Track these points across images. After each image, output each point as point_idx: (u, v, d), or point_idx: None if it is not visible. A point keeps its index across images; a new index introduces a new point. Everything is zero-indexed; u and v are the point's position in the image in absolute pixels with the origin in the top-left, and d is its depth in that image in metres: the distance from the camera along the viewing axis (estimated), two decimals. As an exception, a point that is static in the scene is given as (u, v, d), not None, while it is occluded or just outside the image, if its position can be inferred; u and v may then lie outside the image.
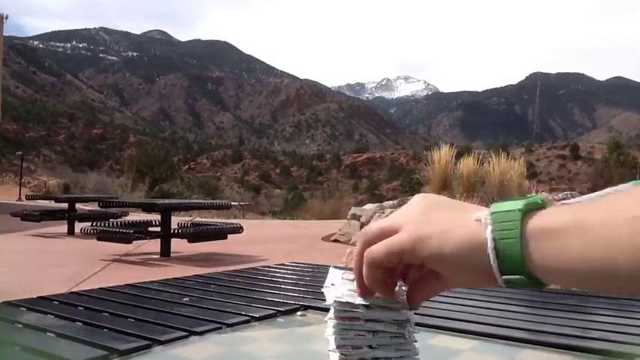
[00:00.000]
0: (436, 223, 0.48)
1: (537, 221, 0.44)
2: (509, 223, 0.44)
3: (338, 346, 0.53)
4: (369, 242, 0.51)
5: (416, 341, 0.55)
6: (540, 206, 0.46)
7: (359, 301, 0.53)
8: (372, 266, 0.50)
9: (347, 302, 0.52)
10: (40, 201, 12.32)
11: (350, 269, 0.56)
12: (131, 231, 6.48)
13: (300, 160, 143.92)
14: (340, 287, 0.55)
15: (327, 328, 0.54)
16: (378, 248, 0.50)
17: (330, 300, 0.53)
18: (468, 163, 9.60)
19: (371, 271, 0.50)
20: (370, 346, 0.52)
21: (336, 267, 0.60)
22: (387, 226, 0.50)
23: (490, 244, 0.45)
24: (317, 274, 1.31)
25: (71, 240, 8.60)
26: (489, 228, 0.45)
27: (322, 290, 0.55)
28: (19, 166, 27.60)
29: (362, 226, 8.55)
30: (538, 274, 0.44)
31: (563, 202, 0.46)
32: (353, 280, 0.54)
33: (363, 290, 0.53)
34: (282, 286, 1.16)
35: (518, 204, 0.45)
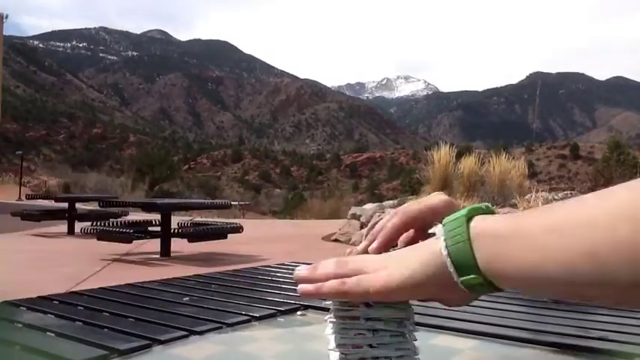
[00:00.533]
0: (396, 258, 0.52)
1: (478, 224, 0.47)
2: (457, 229, 0.47)
3: (338, 345, 0.53)
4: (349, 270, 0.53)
5: (416, 340, 0.55)
6: (484, 212, 0.49)
7: None
8: (323, 292, 0.52)
9: (346, 301, 0.53)
10: (40, 200, 12.32)
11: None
12: (131, 231, 6.48)
13: (300, 160, 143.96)
14: None
15: (327, 327, 0.54)
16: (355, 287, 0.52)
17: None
18: (468, 163, 9.60)
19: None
20: (370, 345, 0.52)
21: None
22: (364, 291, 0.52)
23: (444, 252, 0.47)
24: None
25: (71, 240, 8.60)
26: (442, 237, 0.48)
27: None
28: (19, 166, 27.62)
29: (362, 225, 8.54)
30: (488, 275, 0.46)
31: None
32: None
33: None
34: (283, 286, 1.16)
35: (463, 211, 0.49)
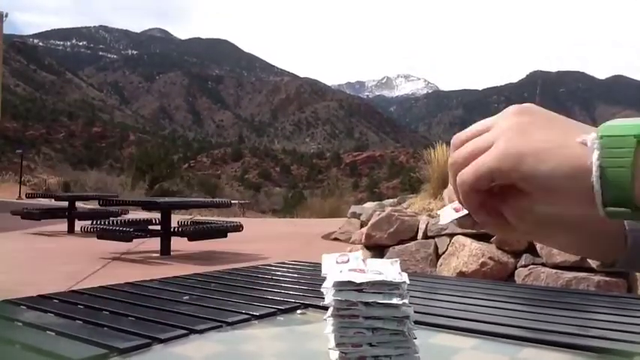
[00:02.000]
0: (532, 140, 0.44)
1: None
2: (621, 150, 0.40)
3: (338, 344, 0.53)
4: (459, 166, 0.47)
5: (415, 338, 0.55)
6: None
7: (360, 279, 0.52)
8: (466, 192, 0.46)
9: (345, 300, 0.52)
10: (40, 199, 12.33)
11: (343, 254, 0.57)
12: (131, 229, 6.48)
13: (300, 159, 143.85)
14: (335, 272, 0.54)
15: (326, 326, 0.54)
16: (467, 172, 0.45)
17: (329, 284, 0.53)
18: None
19: (466, 197, 0.46)
20: (370, 344, 0.52)
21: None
22: (475, 148, 0.46)
23: (596, 172, 0.40)
24: (317, 272, 1.31)
25: (71, 238, 8.60)
26: (596, 153, 0.40)
27: (321, 290, 0.55)
28: (19, 165, 27.61)
29: (362, 224, 8.54)
30: None
31: None
32: (348, 262, 0.55)
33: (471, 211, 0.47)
34: (282, 285, 1.16)
35: (633, 128, 0.40)
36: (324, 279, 0.55)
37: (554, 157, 0.42)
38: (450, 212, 0.50)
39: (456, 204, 0.50)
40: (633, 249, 0.50)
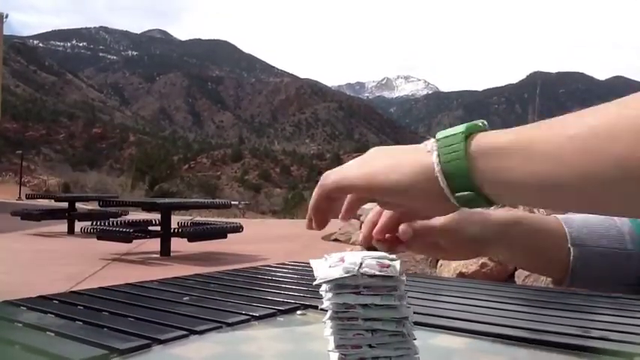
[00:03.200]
0: (385, 160, 0.52)
1: (480, 141, 0.47)
2: (454, 145, 0.47)
3: (337, 346, 0.53)
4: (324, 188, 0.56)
5: (415, 339, 0.55)
6: (482, 129, 0.49)
7: (338, 270, 0.52)
8: (320, 195, 0.55)
9: (343, 302, 0.52)
10: (40, 200, 12.34)
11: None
12: (131, 230, 6.49)
13: (300, 160, 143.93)
14: (324, 269, 0.54)
15: (325, 328, 0.54)
16: (327, 181, 0.54)
17: (321, 280, 0.53)
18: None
19: (317, 199, 0.56)
20: (370, 345, 0.52)
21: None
22: (341, 177, 0.54)
23: (437, 167, 0.47)
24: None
25: (71, 239, 8.61)
26: (435, 153, 0.48)
27: (320, 292, 0.55)
28: (19, 165, 27.63)
29: (362, 225, 8.56)
30: (486, 192, 0.47)
31: None
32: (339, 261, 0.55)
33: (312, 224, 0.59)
34: (283, 286, 1.16)
35: (460, 128, 0.48)
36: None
37: (402, 168, 0.50)
38: (332, 270, 0.53)
39: (340, 255, 0.54)
40: (578, 262, 0.56)
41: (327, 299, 0.54)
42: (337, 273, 0.53)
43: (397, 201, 0.52)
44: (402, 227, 0.65)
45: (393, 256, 0.53)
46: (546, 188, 0.43)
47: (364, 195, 0.53)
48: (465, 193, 0.47)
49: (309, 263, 0.58)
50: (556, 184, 0.42)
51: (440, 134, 0.50)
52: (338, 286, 0.53)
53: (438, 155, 0.48)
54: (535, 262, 0.60)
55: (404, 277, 0.54)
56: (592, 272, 0.65)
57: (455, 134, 0.48)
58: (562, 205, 0.45)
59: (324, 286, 0.54)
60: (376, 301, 0.53)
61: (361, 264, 0.53)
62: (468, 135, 0.48)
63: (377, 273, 0.51)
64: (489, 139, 0.47)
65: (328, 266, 0.55)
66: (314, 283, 0.55)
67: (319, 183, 0.56)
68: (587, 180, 0.41)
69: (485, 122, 0.50)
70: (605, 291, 0.72)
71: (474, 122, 0.49)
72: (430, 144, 0.49)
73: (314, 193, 0.57)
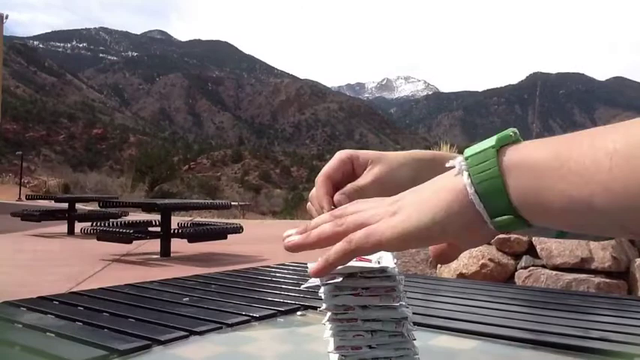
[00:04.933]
0: (413, 206, 0.45)
1: (513, 155, 0.42)
2: (486, 163, 0.42)
3: (337, 348, 0.53)
4: (350, 224, 0.47)
5: (414, 339, 0.55)
6: (514, 140, 0.43)
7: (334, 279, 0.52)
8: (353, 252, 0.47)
9: (342, 304, 0.52)
10: (40, 201, 12.33)
11: None
12: (131, 231, 6.48)
13: (300, 160, 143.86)
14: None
15: (325, 330, 0.54)
16: (361, 238, 0.46)
17: (311, 284, 0.54)
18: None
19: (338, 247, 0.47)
20: (369, 346, 0.52)
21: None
22: (366, 220, 0.47)
23: (470, 190, 0.42)
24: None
25: (71, 240, 8.61)
26: (466, 174, 0.43)
27: (319, 294, 0.55)
28: (19, 166, 27.62)
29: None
30: (523, 213, 0.42)
31: None
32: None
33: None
34: (283, 286, 1.16)
35: (490, 141, 0.43)
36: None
37: (429, 202, 0.44)
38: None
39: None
40: None
41: (326, 301, 0.54)
42: (325, 278, 0.52)
43: (436, 244, 0.47)
44: (336, 198, 0.62)
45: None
46: (588, 212, 0.39)
47: (392, 250, 0.48)
48: (505, 217, 0.41)
49: (306, 264, 0.58)
50: (599, 208, 0.38)
51: (468, 151, 0.44)
52: (336, 288, 0.53)
53: (469, 175, 0.42)
54: None
55: (402, 277, 0.54)
56: None
57: (485, 149, 0.42)
58: (610, 232, 0.41)
59: (323, 288, 0.54)
60: (375, 302, 0.53)
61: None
62: (499, 149, 0.42)
63: (355, 264, 0.50)
64: (523, 153, 0.42)
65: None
66: (302, 286, 0.55)
67: (346, 242, 0.46)
68: (633, 205, 0.36)
69: (516, 131, 0.44)
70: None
71: (505, 132, 0.43)
72: (458, 164, 0.44)
73: (339, 253, 0.47)
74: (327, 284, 0.53)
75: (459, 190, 0.42)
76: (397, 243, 0.44)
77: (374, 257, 0.54)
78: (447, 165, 0.45)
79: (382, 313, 0.53)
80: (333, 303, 0.53)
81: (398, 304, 0.53)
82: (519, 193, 0.41)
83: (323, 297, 0.54)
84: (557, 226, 0.42)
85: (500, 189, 0.41)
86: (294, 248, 0.50)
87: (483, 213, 0.42)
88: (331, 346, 0.53)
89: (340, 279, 0.52)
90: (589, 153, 0.38)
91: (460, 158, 0.44)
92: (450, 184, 0.43)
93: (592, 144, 0.39)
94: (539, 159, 0.40)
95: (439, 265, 4.73)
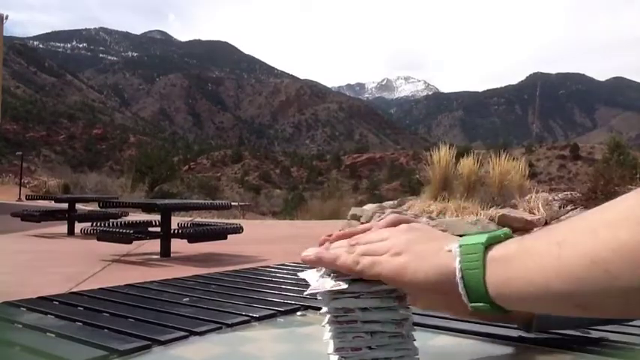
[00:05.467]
0: (411, 255, 0.53)
1: (494, 252, 0.49)
2: (474, 255, 0.49)
3: (337, 349, 0.53)
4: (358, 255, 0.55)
5: (415, 340, 0.55)
6: (503, 239, 0.51)
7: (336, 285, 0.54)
8: (351, 270, 0.54)
9: (342, 306, 0.53)
10: (40, 201, 12.33)
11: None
12: (131, 231, 6.48)
13: (300, 161, 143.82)
14: (315, 280, 0.56)
15: (325, 332, 0.54)
16: (366, 264, 0.54)
17: (312, 290, 0.55)
18: (468, 164, 9.60)
19: (345, 268, 0.55)
20: (369, 347, 0.53)
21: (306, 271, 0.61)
22: (374, 251, 0.55)
23: (458, 274, 0.49)
24: (317, 274, 1.31)
25: (71, 240, 8.61)
26: (457, 259, 0.50)
27: (318, 297, 0.56)
28: (19, 166, 27.63)
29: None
30: (497, 301, 0.49)
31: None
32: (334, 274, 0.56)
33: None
34: (283, 286, 1.16)
35: (482, 238, 0.50)
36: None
37: (426, 265, 0.51)
38: (324, 280, 0.55)
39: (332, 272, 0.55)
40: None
41: (326, 304, 0.54)
42: (329, 284, 0.54)
43: (420, 296, 0.55)
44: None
45: None
46: (548, 295, 0.45)
47: (390, 284, 0.54)
48: (480, 304, 0.49)
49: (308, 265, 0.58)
50: (554, 291, 0.44)
51: (462, 240, 0.51)
52: (337, 291, 0.53)
53: (460, 262, 0.50)
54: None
55: None
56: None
57: (475, 244, 0.50)
58: (568, 313, 0.47)
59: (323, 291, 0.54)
60: (377, 303, 0.53)
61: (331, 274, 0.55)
62: (488, 246, 0.49)
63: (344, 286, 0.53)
64: (502, 250, 0.49)
65: (320, 276, 0.57)
66: (304, 293, 0.56)
67: (354, 262, 0.55)
68: (580, 288, 0.43)
69: (509, 231, 0.51)
70: (571, 328, 0.73)
71: (496, 233, 0.51)
72: (454, 248, 0.51)
73: (343, 262, 0.55)
74: (330, 291, 0.54)
75: (451, 269, 0.50)
76: (392, 282, 0.53)
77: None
78: (446, 249, 0.52)
79: (383, 314, 0.53)
80: (333, 306, 0.53)
81: (398, 305, 0.54)
82: (495, 286, 0.48)
83: (322, 300, 0.55)
84: (527, 309, 0.50)
85: (480, 281, 0.48)
86: (308, 261, 0.57)
87: (464, 297, 0.49)
88: (331, 348, 0.53)
89: (345, 285, 0.53)
90: (544, 243, 0.46)
91: (456, 245, 0.51)
92: (445, 259, 0.51)
93: (548, 235, 0.47)
94: (509, 252, 0.48)
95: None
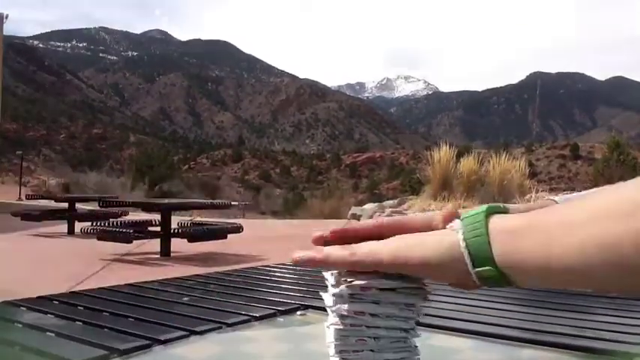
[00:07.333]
0: (409, 238, 0.54)
1: (497, 223, 0.50)
2: (476, 223, 0.51)
3: (339, 352, 0.53)
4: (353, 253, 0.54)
5: (417, 346, 0.55)
6: (502, 211, 0.52)
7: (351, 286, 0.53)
8: (346, 264, 0.54)
9: (359, 308, 0.53)
10: (40, 200, 12.33)
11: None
12: (131, 231, 6.48)
13: (300, 160, 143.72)
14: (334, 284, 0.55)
15: (327, 334, 0.54)
16: (360, 252, 0.54)
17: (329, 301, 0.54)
18: (468, 163, 9.61)
19: (341, 264, 0.54)
20: (372, 350, 0.53)
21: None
22: (370, 251, 0.54)
23: (462, 244, 0.50)
24: (317, 273, 1.31)
25: (71, 239, 8.61)
26: (460, 231, 0.51)
27: (330, 295, 0.55)
28: (19, 166, 27.62)
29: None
30: (504, 270, 0.50)
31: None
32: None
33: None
34: (282, 286, 1.16)
35: (482, 207, 0.52)
36: (324, 280, 0.56)
37: (426, 243, 0.53)
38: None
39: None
40: None
41: (342, 303, 0.53)
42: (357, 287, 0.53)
43: (421, 276, 0.55)
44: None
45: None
46: (552, 271, 0.47)
47: (389, 271, 0.54)
48: (485, 268, 0.50)
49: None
50: (564, 266, 0.46)
51: (464, 214, 0.53)
52: (352, 295, 0.53)
53: (463, 233, 0.51)
54: None
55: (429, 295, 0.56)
56: None
57: (477, 213, 0.51)
58: (568, 286, 0.49)
59: (339, 290, 0.53)
60: (395, 312, 0.53)
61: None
62: (488, 215, 0.51)
63: (391, 281, 0.53)
64: (505, 222, 0.50)
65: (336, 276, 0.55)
66: (332, 292, 0.54)
67: (350, 253, 0.54)
68: (575, 262, 0.45)
69: (506, 205, 0.54)
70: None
71: (497, 204, 0.53)
72: (457, 222, 0.53)
73: (337, 256, 0.55)
74: (350, 293, 0.53)
75: (453, 243, 0.51)
76: (396, 264, 0.52)
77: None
78: (447, 226, 0.53)
79: (392, 322, 0.53)
80: (352, 309, 0.53)
81: (412, 315, 0.54)
82: (500, 253, 0.49)
83: (340, 299, 0.54)
84: (532, 281, 0.51)
85: (485, 245, 0.49)
86: (301, 262, 0.56)
87: (469, 265, 0.50)
88: (332, 350, 0.53)
89: (391, 281, 0.53)
90: (554, 220, 0.48)
91: (458, 220, 0.53)
92: (447, 237, 0.52)
93: (561, 214, 0.49)
94: (514, 224, 0.50)
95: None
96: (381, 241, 0.55)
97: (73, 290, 1.15)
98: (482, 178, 9.85)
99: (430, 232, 0.54)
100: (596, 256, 0.44)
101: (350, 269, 0.54)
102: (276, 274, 1.34)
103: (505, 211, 0.53)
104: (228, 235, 7.02)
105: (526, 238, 0.48)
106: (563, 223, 0.47)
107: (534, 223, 0.49)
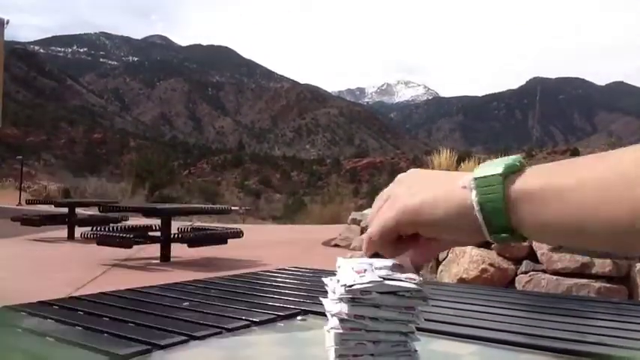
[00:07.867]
0: (423, 194, 0.53)
1: (516, 186, 0.49)
2: (492, 187, 0.49)
3: (339, 356, 0.53)
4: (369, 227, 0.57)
5: (416, 350, 0.55)
6: (519, 168, 0.50)
7: (369, 277, 0.52)
8: (378, 245, 0.55)
9: (360, 311, 0.52)
10: (40, 205, 12.32)
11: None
12: (131, 236, 6.47)
13: (300, 165, 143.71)
14: (348, 275, 0.54)
15: (327, 338, 0.54)
16: (373, 230, 0.55)
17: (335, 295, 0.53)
18: (468, 168, 9.60)
19: (380, 247, 0.55)
20: (371, 355, 0.53)
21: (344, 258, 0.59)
22: (380, 212, 0.56)
23: (477, 207, 0.49)
24: (317, 279, 1.31)
25: (71, 245, 8.60)
26: (474, 193, 0.49)
27: (335, 298, 0.54)
28: (19, 171, 27.60)
29: (362, 231, 8.54)
30: (520, 231, 0.49)
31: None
32: (365, 273, 0.54)
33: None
34: (283, 291, 1.16)
35: (498, 168, 0.50)
36: (323, 285, 0.56)
37: (443, 203, 0.51)
38: (352, 275, 0.53)
39: (358, 266, 0.54)
40: None
41: (342, 307, 0.53)
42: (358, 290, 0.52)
43: (436, 235, 0.54)
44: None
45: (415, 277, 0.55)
46: (573, 232, 0.46)
47: (408, 230, 0.54)
48: (502, 235, 0.49)
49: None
50: (581, 229, 0.46)
51: (477, 172, 0.51)
52: (359, 296, 0.52)
53: (476, 195, 0.49)
54: None
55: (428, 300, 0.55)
56: None
57: (494, 175, 0.50)
58: (593, 247, 0.49)
59: (340, 294, 0.53)
60: (393, 316, 0.53)
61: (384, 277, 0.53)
62: (506, 177, 0.49)
63: (392, 283, 0.52)
64: (524, 184, 0.49)
65: (357, 272, 0.54)
66: (345, 288, 0.52)
67: (395, 214, 0.54)
68: (609, 226, 0.44)
69: (522, 160, 0.51)
70: None
71: (513, 161, 0.51)
72: (468, 182, 0.51)
73: (366, 237, 0.56)
74: (350, 297, 0.53)
75: (466, 204, 0.50)
76: (407, 217, 0.52)
77: (402, 276, 0.54)
78: (459, 184, 0.52)
79: (392, 326, 0.53)
80: (352, 312, 0.52)
81: (413, 319, 0.54)
82: (520, 217, 0.48)
83: (341, 302, 0.53)
84: (554, 243, 0.54)
85: (502, 213, 0.48)
86: (370, 245, 0.56)
87: (484, 229, 0.49)
88: (332, 355, 0.53)
89: (420, 278, 0.54)
90: (570, 183, 0.47)
91: (470, 178, 0.51)
92: (459, 195, 0.51)
93: (582, 175, 0.47)
94: (536, 189, 0.48)
95: (440, 270, 4.73)
96: (400, 191, 0.55)
97: (73, 295, 1.15)
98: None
99: (440, 181, 0.54)
100: (625, 219, 0.43)
101: (375, 246, 0.55)
102: (277, 279, 1.34)
103: (521, 168, 0.50)
104: (229, 241, 7.02)
105: (548, 203, 0.47)
106: (587, 185, 0.45)
107: (556, 185, 0.47)
